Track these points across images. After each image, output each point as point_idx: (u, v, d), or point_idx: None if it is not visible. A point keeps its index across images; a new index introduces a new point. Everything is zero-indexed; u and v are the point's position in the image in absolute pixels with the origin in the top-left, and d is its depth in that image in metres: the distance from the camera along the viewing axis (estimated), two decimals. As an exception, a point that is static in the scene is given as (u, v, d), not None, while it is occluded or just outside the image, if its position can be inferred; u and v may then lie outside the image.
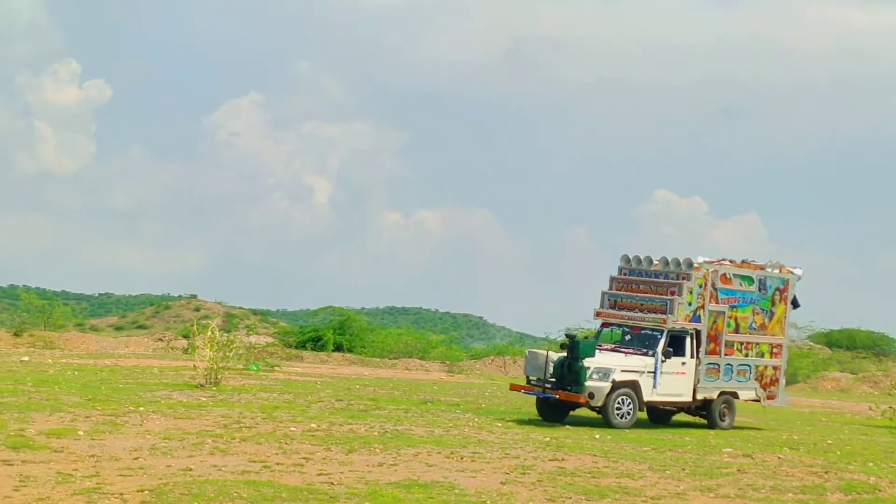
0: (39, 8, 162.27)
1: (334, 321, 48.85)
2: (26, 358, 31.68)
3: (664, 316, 22.82)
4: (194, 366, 25.23)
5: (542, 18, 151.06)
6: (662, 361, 22.53)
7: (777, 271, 24.79)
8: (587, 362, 21.89)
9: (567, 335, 23.59)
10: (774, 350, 24.68)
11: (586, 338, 23.35)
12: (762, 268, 24.64)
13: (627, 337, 23.29)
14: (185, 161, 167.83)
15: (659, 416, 24.17)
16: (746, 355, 24.18)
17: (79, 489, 11.22)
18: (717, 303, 23.45)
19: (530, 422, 21.85)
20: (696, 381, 23.20)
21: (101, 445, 14.61)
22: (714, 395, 23.61)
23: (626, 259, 23.98)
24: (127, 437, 15.66)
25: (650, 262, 23.57)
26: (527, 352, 23.72)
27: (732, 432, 22.91)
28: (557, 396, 22.06)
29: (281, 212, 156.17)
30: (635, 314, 23.30)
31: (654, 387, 22.46)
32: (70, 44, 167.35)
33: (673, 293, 22.98)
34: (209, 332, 25.58)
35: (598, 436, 20.06)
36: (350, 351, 46.12)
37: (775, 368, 24.75)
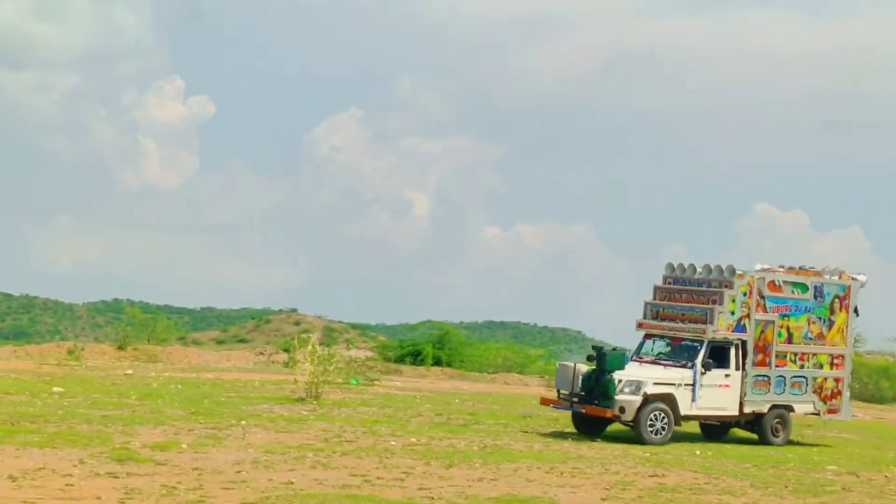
0: (145, 26, 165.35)
1: (433, 335, 48.88)
2: (130, 371, 32.24)
3: (704, 326, 21.87)
4: (295, 380, 25.47)
5: (642, 32, 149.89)
6: (702, 374, 21.55)
7: (836, 278, 23.47)
8: (618, 375, 21.16)
9: (594, 347, 22.53)
10: (835, 361, 23.25)
11: (614, 349, 22.32)
12: (819, 274, 23.41)
13: (668, 349, 22.41)
14: (286, 176, 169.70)
15: (711, 431, 23.13)
16: (802, 366, 22.84)
17: (183, 502, 11.37)
18: (764, 311, 22.31)
19: (624, 438, 21.65)
20: (743, 395, 22.10)
21: (204, 458, 14.80)
22: (764, 409, 22.41)
23: (671, 267, 23.03)
24: (229, 450, 15.85)
25: (694, 269, 22.67)
26: (557, 364, 23.12)
27: (836, 449, 22.46)
28: (584, 411, 21.39)
29: (380, 226, 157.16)
30: (676, 325, 22.41)
31: (694, 400, 21.52)
32: (175, 61, 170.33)
33: (714, 302, 22.01)
34: (310, 347, 25.80)
35: (698, 452, 19.86)
36: (449, 365, 46.11)
37: (837, 380, 23.28)
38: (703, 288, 22.37)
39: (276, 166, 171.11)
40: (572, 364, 22.05)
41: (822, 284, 23.16)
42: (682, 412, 21.42)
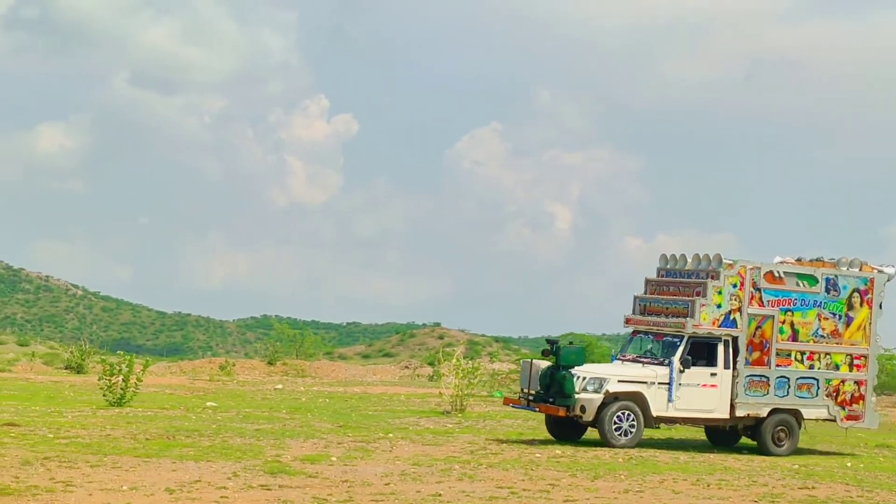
0: (291, 48, 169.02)
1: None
2: (280, 386, 32.95)
3: (683, 320, 20.10)
4: (440, 393, 25.74)
5: (783, 38, 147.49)
6: (680, 371, 19.80)
7: (856, 269, 21.27)
8: (580, 372, 19.76)
9: (548, 340, 20.42)
10: (856, 362, 21.03)
11: (571, 343, 20.73)
12: (833, 265, 21.24)
13: (652, 346, 20.74)
14: (429, 191, 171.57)
15: (719, 437, 21.29)
16: (811, 367, 20.73)
17: (334, 513, 11.59)
18: (760, 305, 20.36)
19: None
20: (734, 396, 20.18)
21: (354, 471, 15.07)
22: (762, 413, 20.39)
23: (664, 259, 21.30)
24: (378, 463, 16.11)
25: (685, 260, 20.89)
26: (521, 362, 21.41)
27: None
28: (538, 409, 20.15)
29: (522, 239, 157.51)
30: (660, 319, 20.67)
31: (670, 400, 19.79)
32: (319, 80, 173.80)
33: (698, 294, 20.21)
34: (454, 360, 26.05)
35: (849, 464, 19.45)
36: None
37: (858, 383, 21.01)
38: (690, 280, 20.64)
39: (418, 181, 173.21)
40: (531, 360, 20.75)
41: (837, 276, 21.05)
42: (656, 413, 19.79)
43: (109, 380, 23.94)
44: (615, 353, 21.75)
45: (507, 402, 21.57)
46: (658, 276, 21.26)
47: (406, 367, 48.67)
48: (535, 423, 23.66)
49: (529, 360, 20.93)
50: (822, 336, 20.82)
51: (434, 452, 17.57)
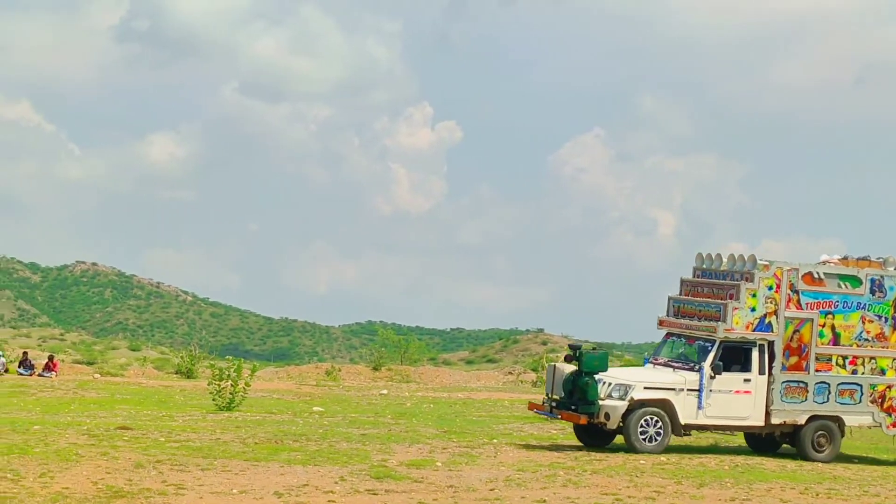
0: (395, 57, 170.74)
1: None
2: (385, 391, 33.21)
3: (715, 324, 19.29)
4: (544, 399, 25.68)
5: (890, 40, 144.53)
6: (711, 377, 19.07)
7: None
8: (605, 378, 19.08)
9: (571, 346, 19.97)
10: None
11: (594, 348, 19.65)
12: (879, 265, 20.15)
13: (685, 349, 19.91)
14: (532, 197, 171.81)
15: (759, 443, 20.39)
16: (854, 372, 19.77)
17: (440, 518, 11.68)
18: (798, 308, 19.46)
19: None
20: (770, 403, 19.35)
21: (458, 476, 15.15)
22: (801, 420, 19.51)
23: (701, 258, 20.44)
24: (482, 468, 16.16)
25: (721, 260, 20.02)
26: (547, 366, 20.45)
27: None
28: (560, 417, 19.43)
29: (625, 246, 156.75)
30: (693, 322, 19.83)
31: (700, 407, 19.03)
32: (423, 88, 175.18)
33: (731, 297, 19.36)
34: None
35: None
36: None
37: None
38: (723, 281, 19.77)
39: (521, 188, 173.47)
40: (555, 365, 19.96)
41: (883, 277, 19.98)
42: (685, 420, 19.07)
43: (219, 384, 24.41)
44: (647, 356, 20.90)
45: (531, 407, 20.83)
46: (694, 277, 20.51)
47: (510, 372, 48.68)
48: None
49: (553, 364, 20.16)
50: (866, 339, 19.89)
51: (538, 458, 17.59)
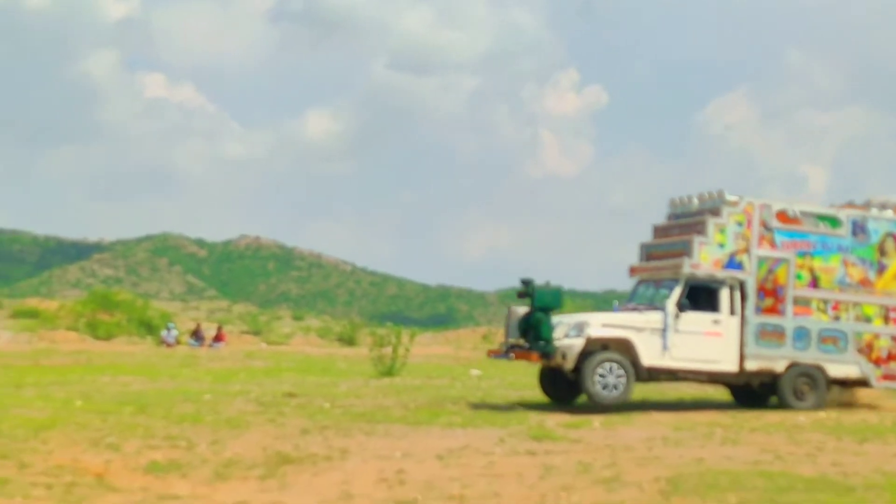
0: (541, 24, 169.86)
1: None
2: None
3: (680, 260, 18.06)
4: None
5: None
6: (676, 317, 17.81)
7: (890, 212, 19.08)
8: (563, 318, 18.11)
9: (522, 280, 18.32)
10: (892, 314, 18.90)
11: (547, 283, 18.15)
12: (863, 207, 19.05)
13: (650, 292, 18.67)
14: (680, 157, 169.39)
15: (746, 395, 19.21)
16: (837, 318, 18.56)
17: (598, 478, 11.77)
18: (772, 247, 18.32)
19: None
20: (743, 346, 18.22)
21: (615, 436, 15.21)
22: (779, 367, 18.35)
23: (673, 203, 19.42)
24: (639, 427, 16.20)
25: (693, 202, 18.93)
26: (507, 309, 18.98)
27: None
28: (514, 357, 18.28)
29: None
30: (660, 263, 18.66)
31: (665, 348, 17.78)
32: (569, 54, 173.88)
33: (698, 232, 18.17)
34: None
35: None
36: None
37: (895, 339, 18.94)
38: (691, 219, 18.63)
39: (669, 148, 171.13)
40: (510, 307, 18.79)
41: (866, 219, 18.84)
42: (648, 362, 17.74)
43: (379, 351, 24.94)
44: (617, 304, 19.71)
45: (490, 353, 19.75)
46: (668, 221, 19.47)
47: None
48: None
49: (510, 306, 18.97)
50: (848, 285, 18.69)
51: (695, 417, 17.55)
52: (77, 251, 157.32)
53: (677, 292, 17.97)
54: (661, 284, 18.42)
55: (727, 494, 10.90)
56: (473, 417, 16.78)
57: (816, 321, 18.56)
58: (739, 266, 18.21)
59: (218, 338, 40.64)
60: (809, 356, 18.55)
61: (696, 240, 18.03)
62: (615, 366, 17.56)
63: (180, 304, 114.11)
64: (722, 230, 18.14)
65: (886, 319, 18.95)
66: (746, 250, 18.27)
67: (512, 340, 18.40)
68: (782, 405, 18.53)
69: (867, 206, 19.26)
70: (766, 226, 18.37)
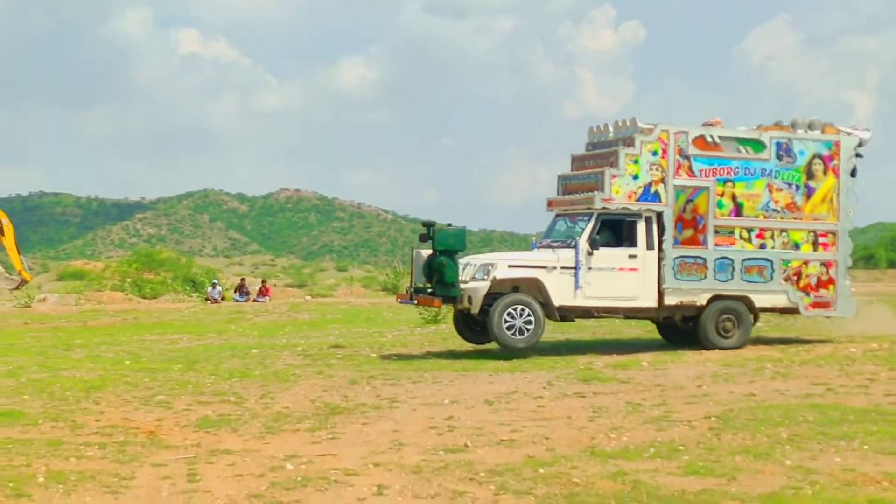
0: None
1: (885, 237, 46.89)
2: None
3: (592, 195, 17.35)
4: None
5: None
6: (589, 253, 17.19)
7: (818, 132, 18.33)
8: (469, 259, 17.62)
9: (424, 223, 17.71)
10: (821, 240, 18.17)
11: (449, 225, 17.48)
12: (786, 128, 18.25)
13: (566, 227, 17.99)
14: (722, 90, 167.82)
15: (671, 333, 18.64)
16: (762, 246, 17.87)
17: (648, 417, 11.75)
18: (691, 175, 17.51)
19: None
20: (662, 281, 17.56)
21: (665, 375, 15.18)
22: (700, 301, 17.64)
23: (592, 132, 18.56)
24: (688, 365, 16.15)
25: (610, 131, 18.11)
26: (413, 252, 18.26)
27: None
28: (417, 303, 17.95)
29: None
30: (576, 196, 17.83)
31: (578, 287, 17.14)
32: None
33: (611, 165, 17.44)
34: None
35: None
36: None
37: (825, 265, 18.16)
38: (606, 150, 17.77)
39: (709, 82, 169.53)
40: (415, 250, 18.15)
41: (791, 140, 18.07)
42: (559, 302, 17.15)
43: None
44: (534, 240, 18.82)
45: (398, 298, 19.35)
46: (586, 151, 18.72)
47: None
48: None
49: (414, 249, 18.30)
50: (774, 210, 17.97)
51: (744, 353, 17.43)
52: (119, 211, 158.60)
53: (589, 228, 17.36)
54: (577, 219, 17.80)
55: (778, 429, 10.83)
56: (521, 362, 16.76)
57: (740, 250, 17.86)
58: (655, 197, 17.51)
59: (262, 292, 40.83)
60: (733, 287, 17.84)
61: (608, 172, 17.36)
62: (523, 308, 16.99)
63: (224, 259, 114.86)
64: (635, 160, 17.42)
65: (815, 245, 18.25)
66: (662, 180, 17.53)
67: (418, 284, 17.83)
68: (703, 343, 17.83)
69: (793, 126, 18.50)
70: (682, 153, 17.60)
